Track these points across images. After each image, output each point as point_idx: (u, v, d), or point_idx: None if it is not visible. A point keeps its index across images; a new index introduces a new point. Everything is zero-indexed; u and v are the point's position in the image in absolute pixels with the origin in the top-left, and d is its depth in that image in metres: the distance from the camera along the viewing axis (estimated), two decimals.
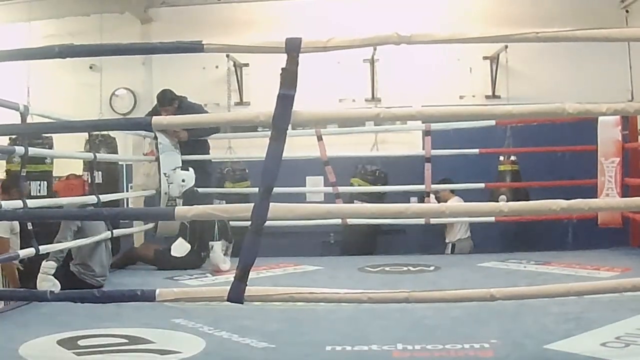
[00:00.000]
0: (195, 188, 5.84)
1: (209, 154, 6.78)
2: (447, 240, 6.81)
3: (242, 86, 7.85)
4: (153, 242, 6.26)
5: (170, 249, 5.59)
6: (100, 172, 6.22)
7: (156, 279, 5.08)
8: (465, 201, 5.98)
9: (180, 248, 5.56)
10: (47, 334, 3.27)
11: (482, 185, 6.47)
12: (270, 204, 2.74)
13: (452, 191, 6.68)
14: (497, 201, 5.65)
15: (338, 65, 7.22)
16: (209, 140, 6.79)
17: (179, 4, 7.96)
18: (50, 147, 5.41)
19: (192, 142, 6.48)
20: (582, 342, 2.97)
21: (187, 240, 5.56)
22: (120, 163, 7.11)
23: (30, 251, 4.22)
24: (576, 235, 6.74)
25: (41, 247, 4.27)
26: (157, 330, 3.34)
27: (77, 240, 4.57)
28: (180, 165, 6.20)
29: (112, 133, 6.51)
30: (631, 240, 6.44)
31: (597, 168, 6.13)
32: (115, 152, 6.78)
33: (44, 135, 5.29)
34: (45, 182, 5.48)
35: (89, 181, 5.69)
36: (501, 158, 6.78)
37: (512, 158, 6.76)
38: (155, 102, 6.90)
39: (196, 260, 5.59)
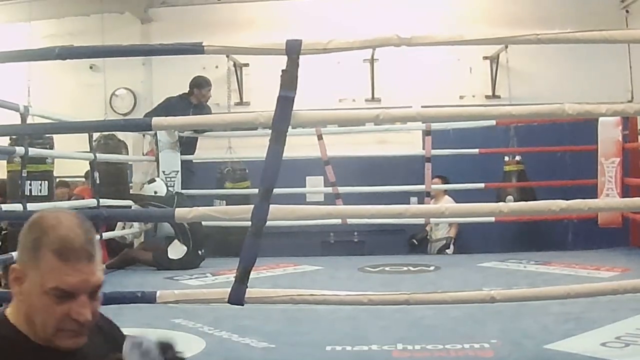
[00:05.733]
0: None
1: (193, 153, 6.78)
2: (447, 235, 6.72)
3: (242, 86, 7.85)
4: (151, 243, 6.26)
5: (167, 251, 5.61)
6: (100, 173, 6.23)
7: (156, 279, 5.07)
8: (464, 202, 5.96)
9: (177, 250, 5.58)
10: None
11: (481, 185, 6.46)
12: (270, 205, 2.74)
13: (445, 191, 6.67)
14: (505, 201, 5.62)
15: (338, 66, 7.21)
16: (198, 140, 6.80)
17: (179, 4, 7.96)
18: (51, 147, 5.40)
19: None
20: (582, 342, 2.97)
21: (181, 242, 5.58)
22: (128, 163, 7.10)
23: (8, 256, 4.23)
24: (576, 235, 6.74)
25: None
26: (157, 330, 3.34)
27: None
28: (179, 166, 6.25)
29: (119, 136, 6.52)
30: (631, 240, 6.44)
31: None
32: (124, 153, 6.76)
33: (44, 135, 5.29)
34: (47, 182, 5.46)
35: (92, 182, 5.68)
36: (506, 158, 6.74)
37: (517, 158, 6.71)
38: (156, 104, 6.92)
39: (194, 260, 5.60)
